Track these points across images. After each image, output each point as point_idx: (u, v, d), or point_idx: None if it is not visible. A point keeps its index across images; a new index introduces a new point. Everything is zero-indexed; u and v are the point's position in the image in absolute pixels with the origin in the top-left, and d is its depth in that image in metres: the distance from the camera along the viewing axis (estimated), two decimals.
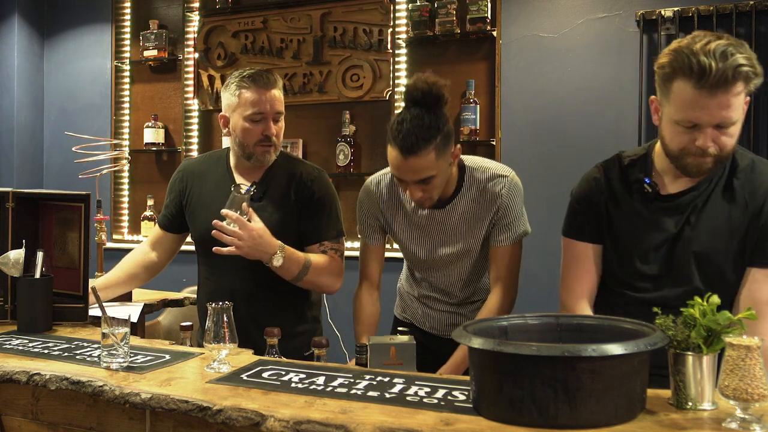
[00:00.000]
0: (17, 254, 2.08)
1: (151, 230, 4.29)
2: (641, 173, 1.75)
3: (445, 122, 1.94)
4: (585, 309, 1.80)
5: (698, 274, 1.67)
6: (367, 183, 2.21)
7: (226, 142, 4.03)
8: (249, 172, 2.25)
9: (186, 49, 4.33)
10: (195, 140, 4.34)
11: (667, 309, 1.43)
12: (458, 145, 2.02)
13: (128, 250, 3.74)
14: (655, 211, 1.72)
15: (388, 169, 2.12)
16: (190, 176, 2.33)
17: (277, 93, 2.18)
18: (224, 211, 1.97)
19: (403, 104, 2.00)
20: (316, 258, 2.15)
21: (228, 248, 1.99)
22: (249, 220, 1.99)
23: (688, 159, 1.61)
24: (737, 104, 1.54)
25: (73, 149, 3.04)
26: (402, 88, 3.80)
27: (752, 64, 1.52)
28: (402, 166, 1.94)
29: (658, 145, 1.74)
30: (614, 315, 1.56)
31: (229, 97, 2.18)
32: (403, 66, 3.83)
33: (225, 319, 1.61)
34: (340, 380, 1.50)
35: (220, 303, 1.62)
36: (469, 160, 2.13)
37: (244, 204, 1.99)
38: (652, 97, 1.68)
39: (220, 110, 2.23)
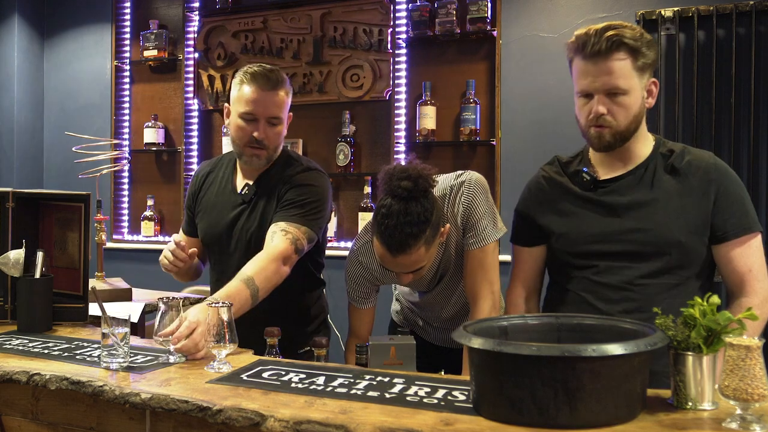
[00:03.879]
0: (17, 254, 2.08)
1: (150, 230, 4.31)
2: (579, 165, 1.88)
3: (432, 210, 1.79)
4: (521, 301, 1.93)
5: (651, 246, 1.73)
6: (353, 257, 2.06)
7: (225, 141, 4.04)
8: (247, 173, 2.19)
9: (186, 49, 4.33)
10: (195, 140, 4.32)
11: (630, 286, 1.70)
12: (447, 225, 1.89)
13: (128, 250, 3.74)
14: (601, 195, 1.80)
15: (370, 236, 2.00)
16: (201, 179, 2.31)
17: (278, 96, 2.08)
18: (165, 332, 1.68)
19: (384, 191, 1.83)
20: (252, 270, 1.91)
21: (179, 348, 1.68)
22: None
23: (591, 131, 1.75)
24: (621, 72, 1.69)
25: (73, 149, 3.03)
26: (403, 88, 3.81)
27: (634, 37, 1.68)
28: (390, 261, 1.83)
29: None
30: (571, 301, 1.77)
31: (233, 88, 2.13)
32: (403, 66, 3.82)
33: (225, 319, 1.61)
34: (340, 380, 1.50)
35: (220, 303, 1.62)
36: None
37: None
38: None
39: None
